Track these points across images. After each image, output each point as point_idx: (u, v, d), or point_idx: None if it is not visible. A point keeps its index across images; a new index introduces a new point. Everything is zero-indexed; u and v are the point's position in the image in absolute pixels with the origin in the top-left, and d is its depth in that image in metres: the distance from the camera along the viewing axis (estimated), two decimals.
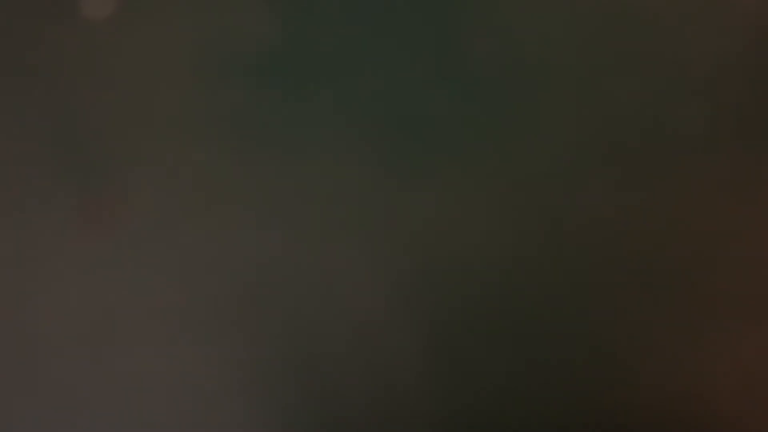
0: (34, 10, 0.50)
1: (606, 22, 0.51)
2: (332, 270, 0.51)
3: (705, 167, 0.52)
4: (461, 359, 0.51)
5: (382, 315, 0.51)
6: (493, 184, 0.51)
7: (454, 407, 0.52)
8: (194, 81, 0.50)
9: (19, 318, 0.50)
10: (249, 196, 0.51)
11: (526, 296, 0.51)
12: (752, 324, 0.52)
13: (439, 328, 0.51)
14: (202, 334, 0.51)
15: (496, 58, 0.51)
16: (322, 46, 0.51)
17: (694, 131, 0.51)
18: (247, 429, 0.51)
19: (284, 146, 0.51)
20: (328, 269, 0.51)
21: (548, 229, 0.51)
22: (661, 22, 0.51)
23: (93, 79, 0.50)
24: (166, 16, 0.50)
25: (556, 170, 0.51)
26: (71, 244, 0.50)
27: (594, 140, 0.51)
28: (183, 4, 0.50)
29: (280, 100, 0.51)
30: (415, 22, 0.51)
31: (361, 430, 0.51)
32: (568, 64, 0.51)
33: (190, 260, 0.51)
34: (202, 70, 0.50)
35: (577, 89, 0.51)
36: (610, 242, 0.52)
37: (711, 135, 0.52)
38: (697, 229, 0.52)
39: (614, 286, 0.52)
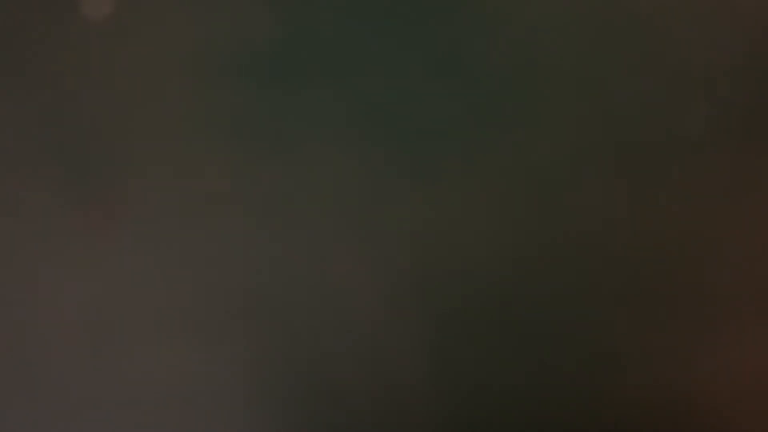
0: (33, 10, 0.50)
1: (607, 23, 0.51)
2: (333, 270, 0.51)
3: (705, 167, 0.52)
4: (462, 360, 0.51)
5: (383, 315, 0.51)
6: (493, 183, 0.51)
7: (454, 407, 0.52)
8: (194, 81, 0.50)
9: (19, 318, 0.50)
10: (249, 196, 0.51)
11: (527, 296, 0.51)
12: (752, 324, 0.52)
13: (440, 329, 0.51)
14: (203, 334, 0.51)
15: (497, 58, 0.51)
16: (322, 45, 0.51)
17: (695, 131, 0.52)
18: (248, 429, 0.51)
19: (285, 146, 0.51)
20: (328, 269, 0.51)
21: (549, 229, 0.51)
22: (661, 23, 0.51)
23: (93, 79, 0.50)
24: (165, 16, 0.50)
25: (556, 170, 0.51)
26: (71, 245, 0.50)
27: (595, 141, 0.51)
28: (183, 4, 0.50)
29: (281, 101, 0.51)
30: (415, 21, 0.51)
31: (361, 431, 0.51)
32: (569, 64, 0.51)
33: (190, 260, 0.51)
34: (202, 70, 0.50)
35: (578, 90, 0.51)
36: (609, 242, 0.52)
37: (711, 135, 0.52)
38: (698, 229, 0.52)
39: (614, 286, 0.52)
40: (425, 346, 0.51)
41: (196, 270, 0.51)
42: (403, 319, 0.51)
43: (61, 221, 0.50)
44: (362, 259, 0.51)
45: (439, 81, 0.51)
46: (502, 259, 0.51)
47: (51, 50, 0.50)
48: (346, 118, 0.51)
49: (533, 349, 0.52)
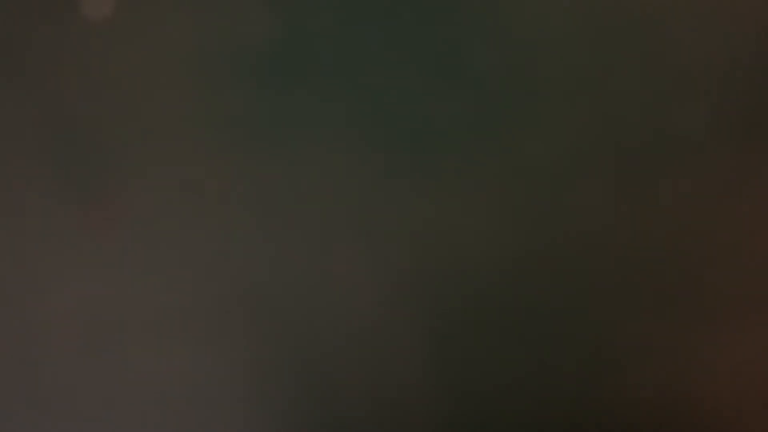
0: (33, 10, 0.50)
1: (606, 23, 0.51)
2: (333, 270, 0.51)
3: (705, 167, 0.52)
4: (461, 360, 0.52)
5: (382, 316, 0.51)
6: (493, 184, 0.51)
7: (454, 407, 0.52)
8: (194, 81, 0.50)
9: (19, 318, 0.50)
10: (249, 196, 0.51)
11: (527, 296, 0.51)
12: (752, 324, 0.52)
13: (439, 329, 0.51)
14: (203, 334, 0.51)
15: (497, 58, 0.51)
16: (322, 45, 0.51)
17: (695, 131, 0.52)
18: (248, 429, 0.51)
19: (284, 146, 0.51)
20: (328, 270, 0.51)
21: (549, 229, 0.51)
22: (661, 23, 0.51)
23: (93, 79, 0.50)
24: (165, 16, 0.50)
25: (556, 171, 0.51)
26: (71, 245, 0.50)
27: (594, 141, 0.51)
28: (183, 5, 0.50)
29: (281, 101, 0.51)
30: (415, 22, 0.51)
31: (361, 431, 0.51)
32: (568, 65, 0.51)
33: (190, 260, 0.51)
34: (202, 70, 0.50)
35: (578, 90, 0.51)
36: (610, 242, 0.52)
37: (711, 135, 0.52)
38: (698, 229, 0.52)
39: (614, 286, 0.52)
40: (425, 346, 0.51)
41: (196, 270, 0.51)
42: (403, 319, 0.51)
43: (61, 221, 0.50)
44: (362, 259, 0.51)
45: (439, 81, 0.51)
46: (502, 259, 0.51)
47: (51, 50, 0.50)
48: (346, 118, 0.51)
49: (533, 349, 0.52)
